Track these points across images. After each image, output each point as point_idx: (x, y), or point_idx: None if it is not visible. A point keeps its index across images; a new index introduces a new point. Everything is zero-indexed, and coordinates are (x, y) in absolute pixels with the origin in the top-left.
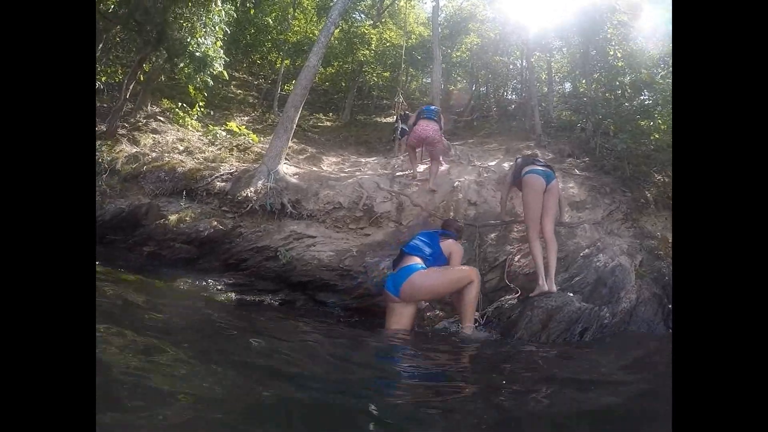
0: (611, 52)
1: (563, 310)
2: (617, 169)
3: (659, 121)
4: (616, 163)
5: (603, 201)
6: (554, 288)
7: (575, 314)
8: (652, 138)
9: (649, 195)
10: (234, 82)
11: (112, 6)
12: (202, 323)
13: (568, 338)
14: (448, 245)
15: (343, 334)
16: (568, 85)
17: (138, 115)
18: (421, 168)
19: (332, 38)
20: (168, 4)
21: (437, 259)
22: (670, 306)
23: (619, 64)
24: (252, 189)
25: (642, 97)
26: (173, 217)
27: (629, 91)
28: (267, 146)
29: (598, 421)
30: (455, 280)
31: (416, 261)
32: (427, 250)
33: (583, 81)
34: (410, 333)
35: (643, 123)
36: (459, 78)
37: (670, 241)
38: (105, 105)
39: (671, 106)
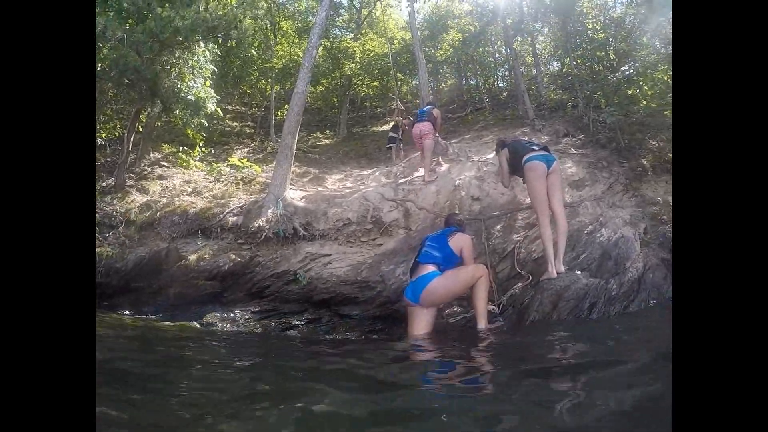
0: (590, 26)
1: (571, 289)
2: (612, 141)
3: (645, 87)
4: (610, 135)
5: (601, 176)
6: (562, 269)
7: (582, 291)
8: (641, 105)
9: (645, 162)
10: (228, 115)
11: (101, 66)
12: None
13: (578, 314)
14: (457, 241)
15: (372, 348)
16: (555, 64)
17: (142, 164)
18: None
19: (317, 57)
20: (155, 56)
21: (449, 260)
22: None
23: (600, 36)
24: (263, 219)
25: (623, 68)
26: (193, 257)
27: (613, 57)
28: (271, 175)
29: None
30: (468, 279)
31: (431, 269)
32: (439, 255)
33: (567, 59)
34: (432, 334)
35: (630, 91)
36: (447, 75)
37: (671, 204)
38: (109, 159)
39: (655, 73)
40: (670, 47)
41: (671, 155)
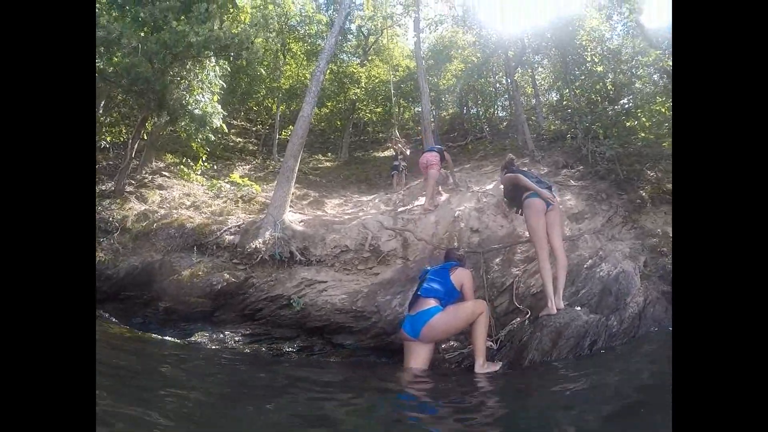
0: (588, 58)
1: (571, 326)
2: (611, 173)
3: (643, 119)
4: (609, 167)
5: (601, 208)
6: (561, 305)
7: (583, 328)
8: (639, 136)
9: (644, 194)
10: (233, 130)
11: (113, 70)
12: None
13: (578, 352)
14: (458, 276)
15: (366, 378)
16: (554, 95)
17: (144, 171)
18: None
19: (323, 81)
20: (165, 67)
21: (450, 295)
22: None
23: (598, 69)
24: (260, 240)
25: (622, 101)
26: (186, 272)
27: (611, 89)
28: (271, 194)
29: None
30: (469, 315)
31: (433, 303)
32: (441, 289)
33: (566, 90)
34: (428, 370)
35: (628, 123)
36: (449, 103)
37: (671, 235)
38: (111, 163)
39: (654, 105)
40: (667, 78)
41: (671, 186)
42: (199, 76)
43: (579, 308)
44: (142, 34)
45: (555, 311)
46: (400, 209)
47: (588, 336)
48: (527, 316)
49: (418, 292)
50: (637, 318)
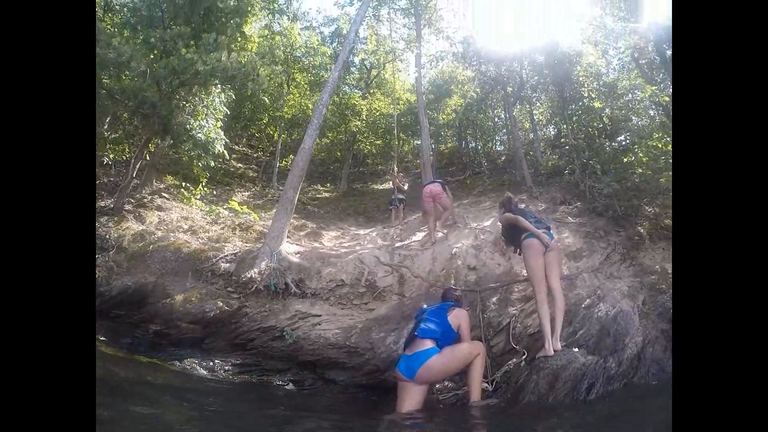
0: (585, 94)
1: (568, 368)
2: (609, 209)
3: (640, 154)
4: (607, 203)
5: (599, 245)
6: (559, 346)
7: (581, 371)
8: (637, 172)
9: (642, 230)
10: (234, 156)
11: (120, 89)
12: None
13: (575, 396)
14: (456, 317)
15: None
16: (552, 129)
17: (144, 191)
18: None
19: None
20: (172, 91)
21: (448, 335)
22: None
23: (596, 105)
24: (256, 270)
25: (620, 138)
26: (179, 297)
27: (608, 123)
28: (269, 223)
29: None
30: (465, 357)
31: (429, 344)
32: (438, 330)
33: (564, 126)
34: (423, 411)
35: (625, 159)
36: (448, 137)
37: (670, 272)
38: (112, 179)
39: (649, 141)
40: (663, 113)
41: (670, 222)
42: (205, 101)
43: (576, 349)
44: (152, 56)
45: (552, 352)
46: (397, 244)
47: (586, 378)
48: (524, 356)
49: (415, 333)
50: (635, 359)
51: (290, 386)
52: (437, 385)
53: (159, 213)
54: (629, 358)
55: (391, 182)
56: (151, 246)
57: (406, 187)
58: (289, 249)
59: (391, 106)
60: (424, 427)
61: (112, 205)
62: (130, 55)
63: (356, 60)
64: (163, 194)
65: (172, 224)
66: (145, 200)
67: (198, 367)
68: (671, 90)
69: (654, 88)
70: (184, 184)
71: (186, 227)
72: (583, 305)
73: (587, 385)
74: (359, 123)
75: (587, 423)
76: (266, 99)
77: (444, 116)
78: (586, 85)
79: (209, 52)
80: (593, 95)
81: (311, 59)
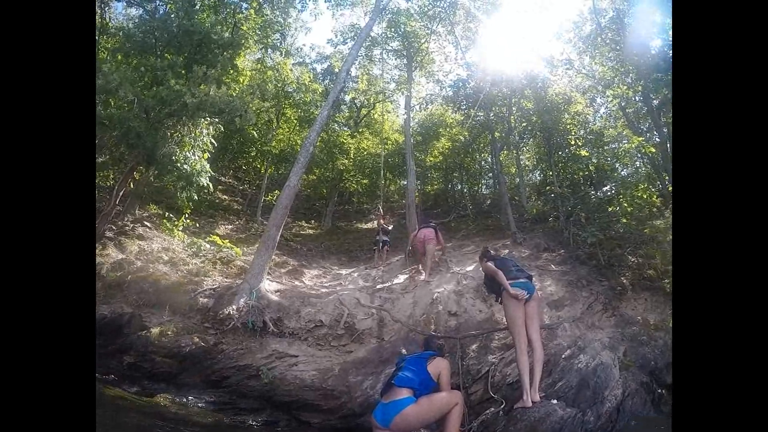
0: (572, 141)
1: (546, 421)
2: (592, 258)
3: (625, 204)
4: (591, 251)
5: (581, 295)
6: (537, 398)
7: (558, 424)
8: (621, 222)
9: (625, 281)
10: (220, 187)
11: (106, 116)
12: None
13: None
14: (436, 366)
15: None
16: (538, 174)
17: (126, 219)
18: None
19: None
20: (160, 121)
21: (426, 385)
22: (660, 391)
23: (583, 154)
24: (234, 307)
25: (605, 188)
26: (155, 330)
27: (593, 171)
28: (250, 258)
29: None
30: (443, 407)
31: (406, 394)
32: (416, 380)
33: (550, 172)
34: None
35: (610, 209)
36: (435, 179)
37: (652, 323)
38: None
39: (634, 191)
40: (648, 164)
41: (651, 272)
42: (192, 133)
43: (555, 401)
44: (141, 84)
45: (530, 404)
46: (378, 286)
47: None
48: (502, 406)
49: (392, 380)
50: (615, 412)
51: (264, 427)
52: None
53: (140, 242)
54: (608, 411)
55: (375, 222)
56: (129, 276)
57: (390, 228)
58: (269, 287)
59: (379, 146)
60: None
61: None
62: (119, 83)
63: (347, 98)
64: (146, 222)
65: (153, 255)
66: (127, 228)
67: (170, 403)
68: (671, 115)
69: (641, 138)
70: (167, 214)
71: (166, 258)
72: (563, 356)
73: None
74: (347, 161)
75: None
76: (255, 133)
77: (431, 158)
78: (573, 133)
79: (198, 84)
80: (580, 143)
81: (302, 95)
